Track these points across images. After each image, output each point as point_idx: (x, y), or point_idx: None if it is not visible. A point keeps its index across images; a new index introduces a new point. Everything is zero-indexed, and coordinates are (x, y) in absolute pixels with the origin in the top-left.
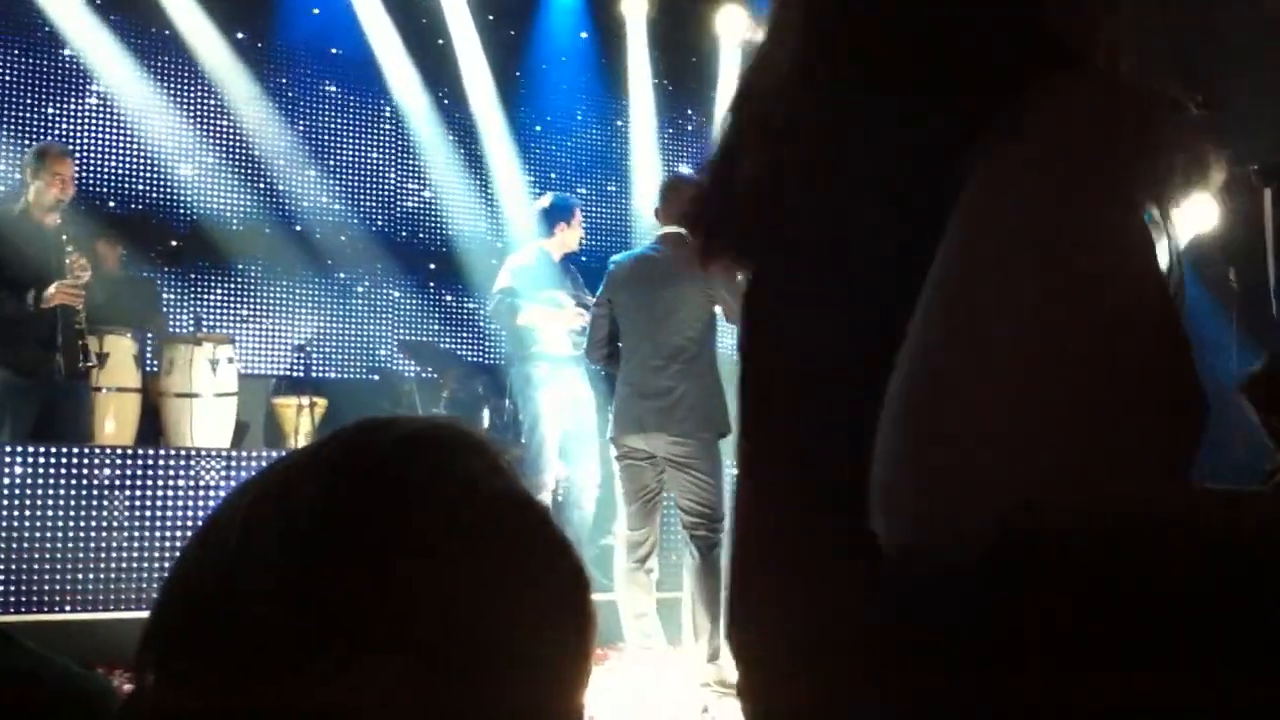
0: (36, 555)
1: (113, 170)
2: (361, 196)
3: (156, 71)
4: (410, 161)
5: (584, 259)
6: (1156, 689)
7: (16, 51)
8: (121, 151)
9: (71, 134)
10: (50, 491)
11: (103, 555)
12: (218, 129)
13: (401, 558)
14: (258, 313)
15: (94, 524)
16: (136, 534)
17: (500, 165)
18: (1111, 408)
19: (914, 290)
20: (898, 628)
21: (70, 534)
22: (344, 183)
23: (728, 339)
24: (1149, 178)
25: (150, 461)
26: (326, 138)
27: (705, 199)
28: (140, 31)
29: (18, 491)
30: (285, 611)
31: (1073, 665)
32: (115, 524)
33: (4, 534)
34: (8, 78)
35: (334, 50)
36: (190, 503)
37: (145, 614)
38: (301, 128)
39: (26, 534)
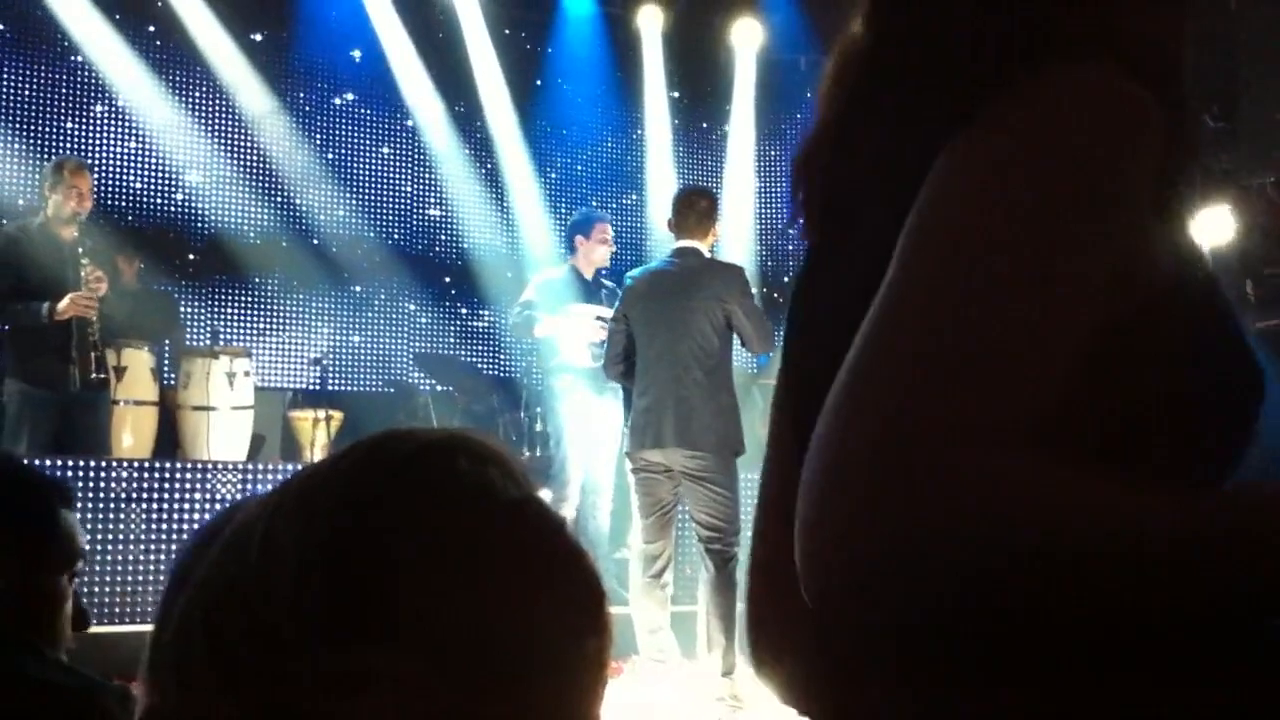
0: None
1: (130, 184)
2: (378, 210)
3: (174, 85)
4: (426, 175)
5: (602, 273)
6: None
7: (36, 65)
8: (139, 165)
9: (90, 147)
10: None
11: (119, 567)
12: (235, 143)
13: (419, 567)
14: (274, 326)
15: (111, 536)
16: (153, 546)
17: (517, 178)
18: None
19: None
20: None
21: (87, 546)
22: (360, 196)
23: (743, 352)
24: (1137, 181)
25: (167, 474)
26: (343, 151)
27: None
28: (158, 46)
29: None
30: (305, 620)
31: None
32: (132, 536)
33: None
34: (27, 91)
35: (351, 64)
36: (207, 515)
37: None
38: (318, 141)
39: None
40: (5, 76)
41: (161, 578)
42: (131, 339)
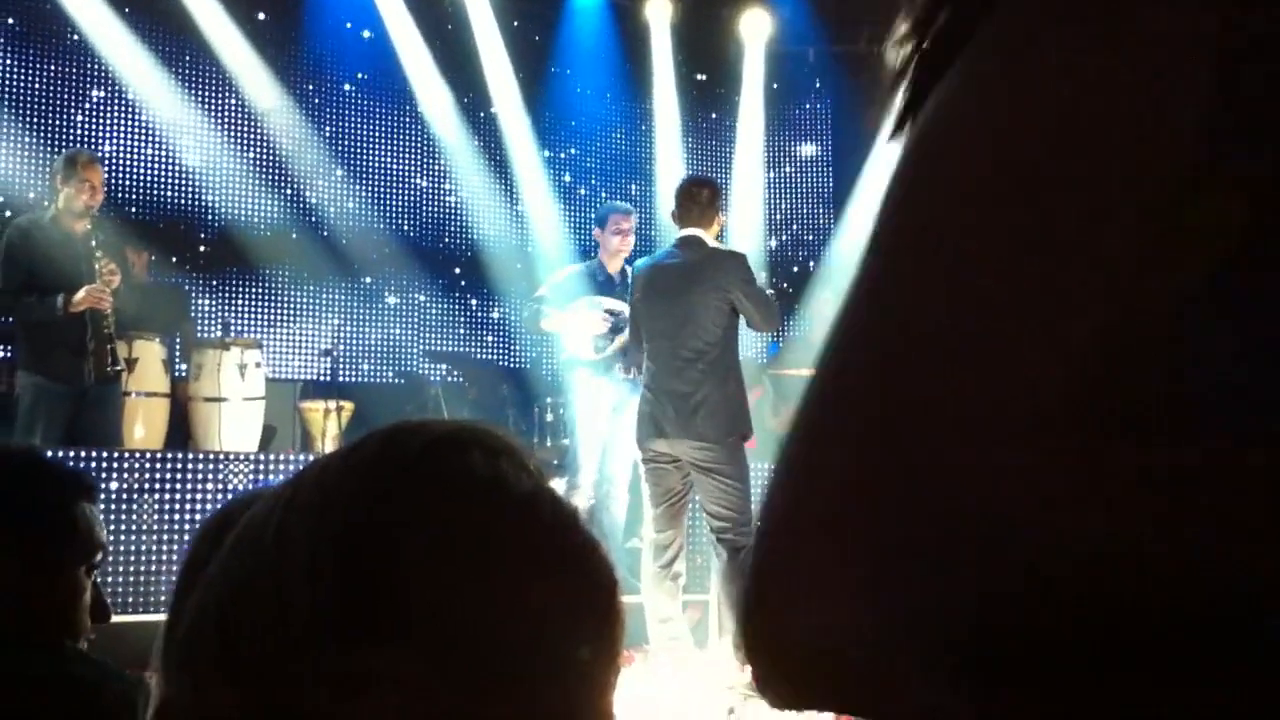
0: None
1: (141, 177)
2: (387, 201)
3: (184, 78)
4: (436, 167)
5: (627, 266)
6: None
7: (45, 58)
8: (150, 158)
9: (99, 140)
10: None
11: (132, 558)
12: (244, 135)
13: (431, 561)
14: (285, 318)
15: (123, 527)
16: (165, 537)
17: (526, 170)
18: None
19: None
20: None
21: (109, 540)
22: (370, 188)
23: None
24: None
25: (179, 465)
26: (352, 143)
27: None
28: (168, 39)
29: None
30: (316, 616)
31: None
32: (144, 527)
33: None
34: (37, 84)
35: (360, 56)
36: (218, 506)
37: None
38: (328, 133)
39: None
40: (15, 70)
41: (174, 568)
42: (143, 331)
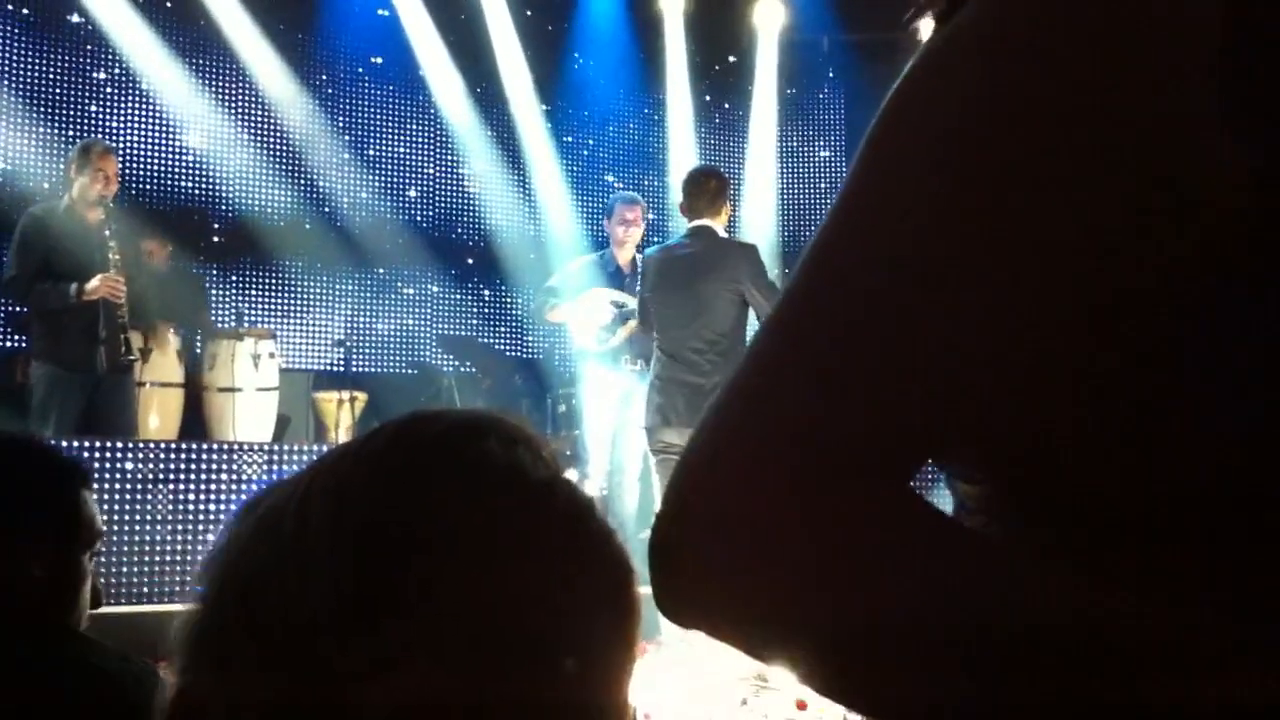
0: None
1: (156, 166)
2: (401, 192)
3: (199, 68)
4: (449, 157)
5: (639, 256)
6: None
7: (60, 48)
8: (164, 148)
9: (114, 130)
10: (94, 485)
11: (146, 548)
12: (259, 125)
13: (451, 547)
14: (299, 308)
15: (138, 517)
16: (179, 527)
17: (539, 160)
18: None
19: None
20: None
21: (114, 527)
22: (384, 178)
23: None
24: None
25: (193, 455)
26: (367, 133)
27: None
28: (183, 28)
29: None
30: (338, 599)
31: None
32: (159, 517)
33: None
34: (51, 74)
35: (373, 46)
36: (232, 496)
37: (188, 607)
38: (342, 123)
39: None
40: (29, 59)
41: (188, 558)
42: (158, 321)
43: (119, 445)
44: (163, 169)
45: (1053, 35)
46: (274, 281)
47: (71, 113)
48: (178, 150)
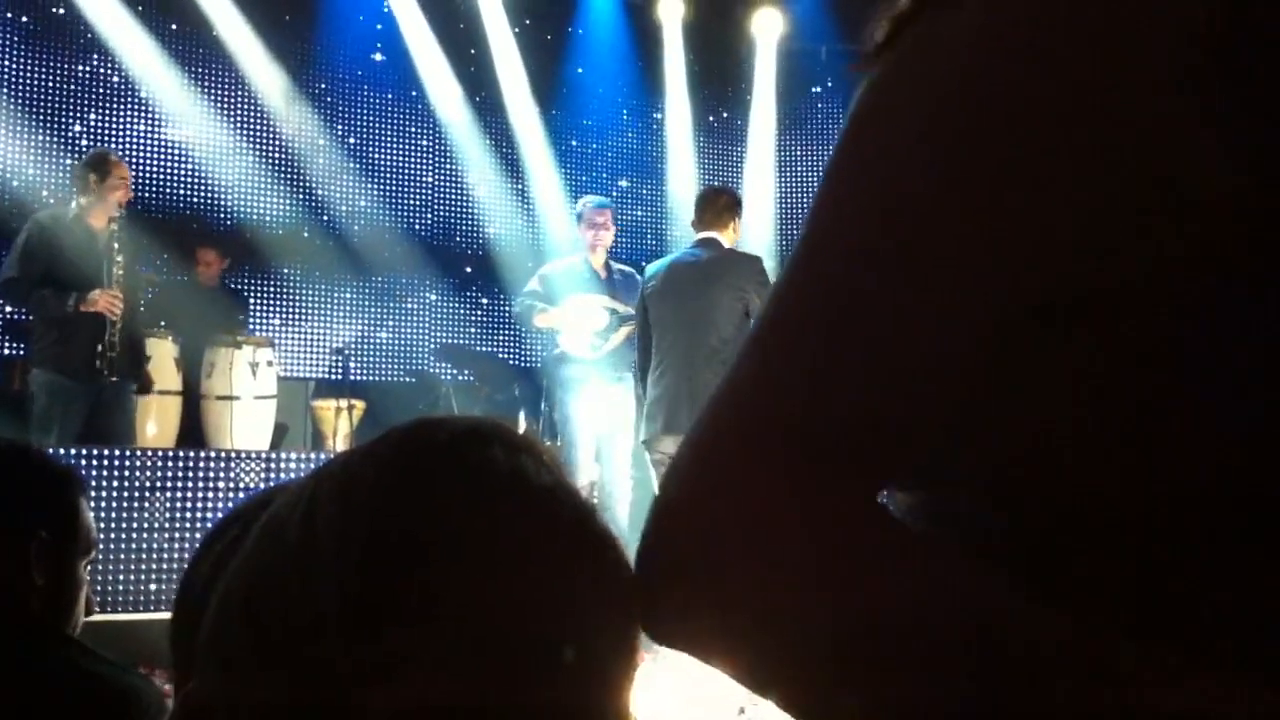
0: None
1: (154, 175)
2: (399, 200)
3: (197, 77)
4: (448, 165)
5: (612, 258)
6: None
7: (59, 57)
8: (163, 157)
9: (113, 139)
10: (92, 493)
11: (144, 556)
12: (258, 134)
13: (455, 552)
14: (297, 316)
15: (135, 525)
16: (177, 535)
17: (537, 168)
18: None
19: None
20: None
21: (111, 535)
22: (382, 187)
23: None
24: None
25: (190, 463)
26: (365, 142)
27: None
28: (182, 37)
29: None
30: (343, 603)
31: None
32: (156, 525)
33: None
34: (50, 84)
35: (373, 55)
36: (230, 504)
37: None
38: (340, 132)
39: None
40: (29, 69)
41: (185, 567)
42: (155, 329)
43: (116, 453)
44: (161, 178)
45: (1051, 35)
46: (273, 290)
47: (71, 121)
48: (176, 159)
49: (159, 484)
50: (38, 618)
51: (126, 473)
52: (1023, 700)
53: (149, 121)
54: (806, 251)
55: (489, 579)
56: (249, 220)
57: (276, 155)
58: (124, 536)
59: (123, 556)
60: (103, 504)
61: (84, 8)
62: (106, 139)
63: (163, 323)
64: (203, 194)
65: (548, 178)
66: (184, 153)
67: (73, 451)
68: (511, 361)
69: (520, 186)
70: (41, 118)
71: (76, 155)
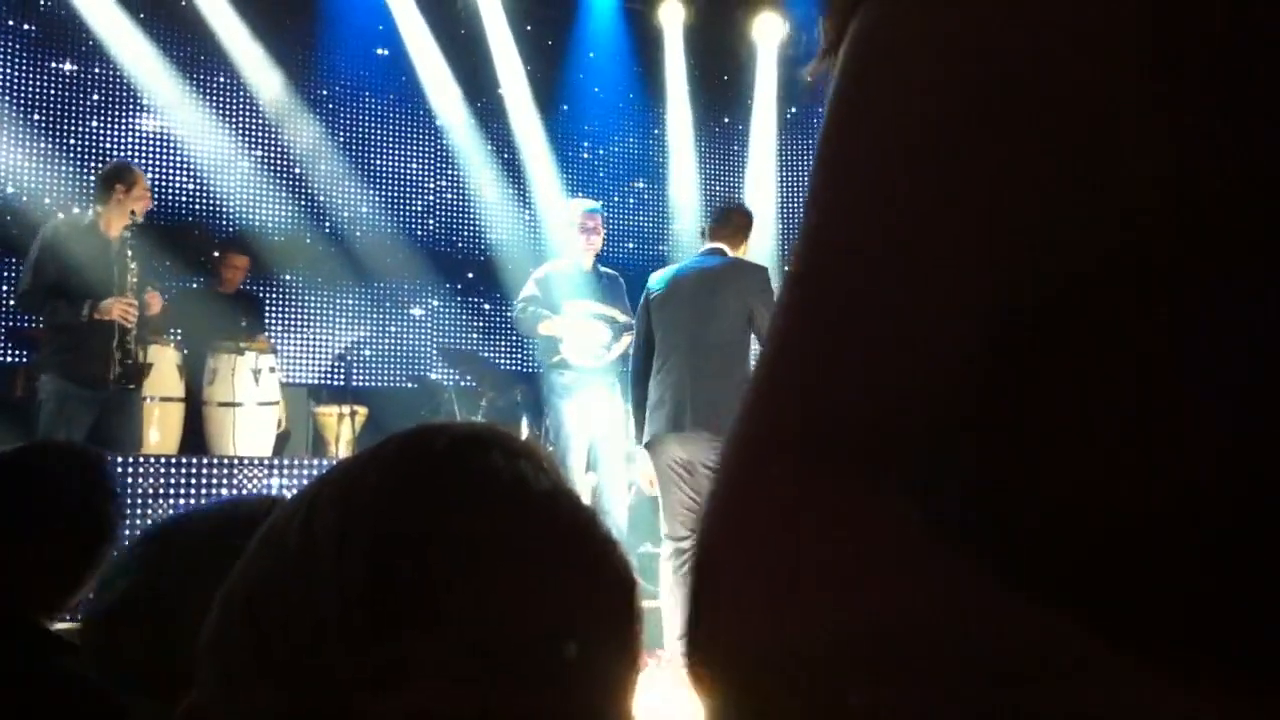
0: None
1: (156, 182)
2: (401, 206)
3: (199, 84)
4: (449, 171)
5: (600, 261)
6: None
7: (61, 64)
8: (164, 163)
9: (115, 145)
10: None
11: None
12: (259, 140)
13: (457, 557)
14: (299, 322)
15: (138, 533)
16: None
17: (538, 173)
18: None
19: None
20: None
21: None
22: (384, 192)
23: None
24: None
25: (193, 470)
26: (366, 148)
27: None
28: (183, 44)
29: None
30: (345, 609)
31: None
32: None
33: None
34: (53, 90)
35: (374, 61)
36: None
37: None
38: (342, 138)
39: None
40: (31, 75)
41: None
42: (158, 336)
43: (118, 460)
44: (164, 184)
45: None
46: (274, 296)
47: (73, 128)
48: (177, 165)
49: (162, 491)
50: (49, 614)
51: (130, 480)
52: (1025, 702)
53: (150, 129)
54: (804, 249)
55: (489, 584)
56: (250, 227)
57: (278, 162)
58: (126, 544)
59: None
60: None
61: (85, 13)
62: (108, 147)
63: (176, 331)
64: (204, 200)
65: (549, 182)
66: (185, 159)
67: None
68: (513, 367)
69: (522, 191)
70: (43, 126)
71: (76, 162)
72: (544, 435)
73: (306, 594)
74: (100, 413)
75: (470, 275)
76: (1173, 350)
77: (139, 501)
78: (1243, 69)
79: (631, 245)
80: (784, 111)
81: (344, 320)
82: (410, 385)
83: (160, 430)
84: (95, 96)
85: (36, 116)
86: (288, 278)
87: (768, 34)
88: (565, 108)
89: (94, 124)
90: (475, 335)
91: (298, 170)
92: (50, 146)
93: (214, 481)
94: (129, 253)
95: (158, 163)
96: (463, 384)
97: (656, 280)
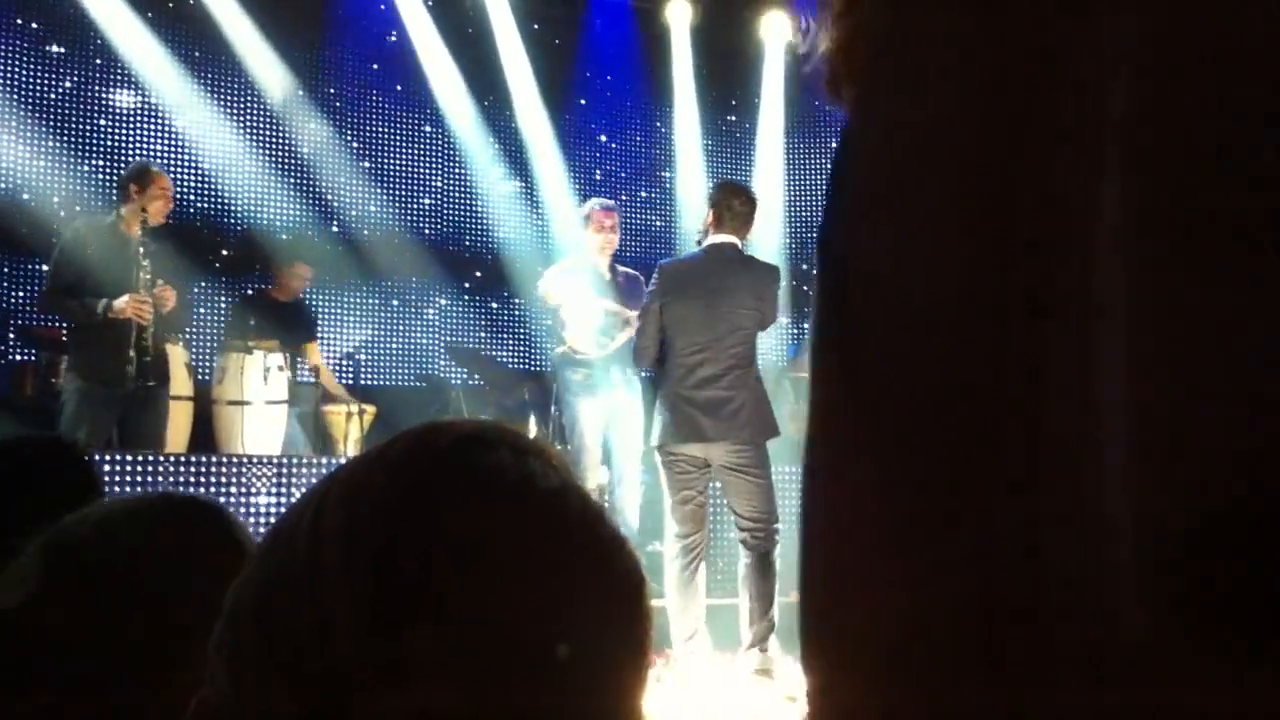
0: None
1: None
2: (409, 205)
3: (206, 83)
4: (457, 170)
5: (616, 261)
6: None
7: (68, 62)
8: (174, 162)
9: (123, 145)
10: (106, 498)
11: None
12: (267, 139)
13: (465, 555)
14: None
15: None
16: None
17: (546, 172)
18: None
19: None
20: None
21: None
22: (391, 191)
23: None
24: None
25: (202, 468)
26: (374, 147)
27: None
28: (192, 44)
29: None
30: (354, 607)
31: None
32: None
33: None
34: (61, 90)
35: (381, 61)
36: (241, 509)
37: None
38: (349, 138)
39: None
40: (37, 74)
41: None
42: (168, 334)
43: (129, 459)
44: (173, 183)
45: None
46: None
47: (83, 128)
48: (186, 165)
49: (171, 489)
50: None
51: (139, 478)
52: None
53: (159, 128)
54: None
55: (497, 582)
56: (258, 226)
57: (286, 161)
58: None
59: None
60: None
61: (92, 12)
62: (117, 146)
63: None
64: (213, 200)
65: (556, 181)
66: (194, 158)
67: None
68: (521, 365)
69: (529, 190)
70: (52, 125)
71: (84, 163)
72: (551, 433)
73: (314, 591)
74: (124, 410)
75: (478, 274)
76: (1173, 352)
77: None
78: None
79: (639, 243)
80: (791, 109)
81: (352, 319)
82: (419, 384)
83: (169, 429)
84: (103, 96)
85: (45, 116)
86: None
87: (774, 33)
88: (572, 106)
89: (102, 123)
90: (483, 334)
91: (306, 170)
92: (59, 146)
93: (223, 480)
94: (142, 250)
95: (166, 162)
96: (471, 383)
97: (667, 274)
